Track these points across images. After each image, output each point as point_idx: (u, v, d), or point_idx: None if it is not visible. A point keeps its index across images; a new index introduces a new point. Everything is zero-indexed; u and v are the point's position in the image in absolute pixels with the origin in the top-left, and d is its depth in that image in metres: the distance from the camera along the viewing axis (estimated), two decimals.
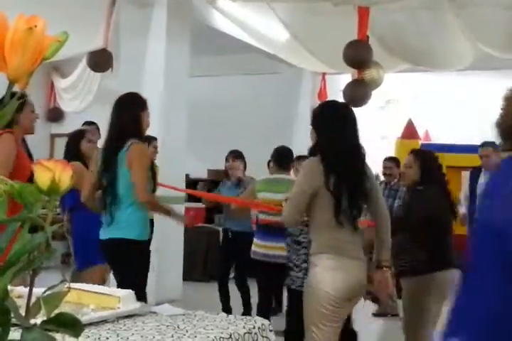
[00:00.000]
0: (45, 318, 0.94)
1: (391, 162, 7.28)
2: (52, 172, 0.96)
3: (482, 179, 6.43)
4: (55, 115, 11.92)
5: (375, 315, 7.17)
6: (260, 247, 5.33)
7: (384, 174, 7.33)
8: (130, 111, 4.13)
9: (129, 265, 3.97)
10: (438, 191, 4.15)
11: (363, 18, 7.01)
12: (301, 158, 5.64)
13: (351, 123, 3.28)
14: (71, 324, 0.92)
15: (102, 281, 4.88)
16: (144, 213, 4.06)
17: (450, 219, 4.29)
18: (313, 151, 3.34)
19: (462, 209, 6.67)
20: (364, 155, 3.28)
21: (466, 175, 8.56)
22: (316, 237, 3.24)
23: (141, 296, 3.91)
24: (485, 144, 6.43)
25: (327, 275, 3.12)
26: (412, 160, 4.27)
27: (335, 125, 3.25)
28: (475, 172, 6.55)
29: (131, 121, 4.07)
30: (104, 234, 4.07)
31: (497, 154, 6.36)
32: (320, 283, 3.12)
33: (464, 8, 7.02)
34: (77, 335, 0.93)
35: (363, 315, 7.33)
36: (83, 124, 6.12)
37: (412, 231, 4.06)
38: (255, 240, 5.42)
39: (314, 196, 3.16)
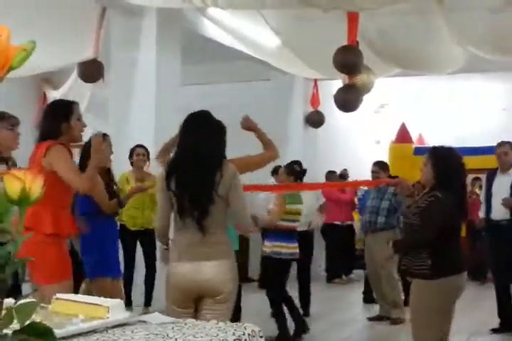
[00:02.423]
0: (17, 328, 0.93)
1: (377, 166, 7.34)
2: (23, 181, 0.96)
3: (498, 180, 6.40)
4: None
5: (371, 319, 7.15)
6: (273, 247, 5.98)
7: (372, 178, 7.40)
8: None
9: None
10: (453, 197, 3.93)
11: (353, 23, 7.02)
12: None
13: (202, 131, 3.47)
14: (43, 333, 0.91)
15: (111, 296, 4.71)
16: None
17: (461, 224, 4.22)
18: None
19: (480, 214, 6.67)
20: (216, 163, 3.39)
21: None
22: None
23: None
24: (502, 143, 6.39)
25: (167, 279, 3.44)
26: (427, 157, 4.07)
27: (183, 133, 3.50)
28: (491, 174, 6.51)
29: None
30: None
31: None
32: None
33: (453, 11, 7.05)
34: None
35: (358, 319, 7.34)
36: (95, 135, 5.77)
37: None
38: (267, 243, 6.10)
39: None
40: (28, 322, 0.96)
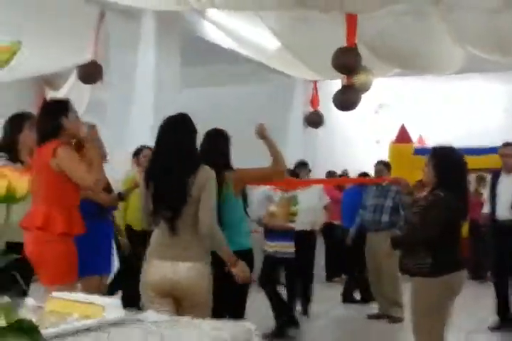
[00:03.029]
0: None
1: (381, 165, 7.39)
2: (8, 179, 0.97)
3: (502, 180, 6.43)
4: None
5: (370, 317, 7.15)
6: (276, 247, 6.22)
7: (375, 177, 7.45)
8: None
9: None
10: (455, 196, 3.95)
11: (351, 24, 7.05)
12: None
13: (177, 134, 3.50)
14: (29, 330, 0.92)
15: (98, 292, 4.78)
16: None
17: (462, 222, 4.23)
18: None
19: (485, 210, 6.73)
20: (191, 166, 3.41)
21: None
22: None
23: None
24: (507, 144, 6.41)
25: (142, 274, 3.49)
26: (428, 157, 4.10)
27: (160, 134, 3.54)
28: (495, 175, 6.56)
29: None
30: None
31: None
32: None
33: (450, 12, 7.07)
34: None
35: (358, 317, 7.33)
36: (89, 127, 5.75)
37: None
38: (269, 243, 6.29)
39: None
40: (14, 320, 0.97)
